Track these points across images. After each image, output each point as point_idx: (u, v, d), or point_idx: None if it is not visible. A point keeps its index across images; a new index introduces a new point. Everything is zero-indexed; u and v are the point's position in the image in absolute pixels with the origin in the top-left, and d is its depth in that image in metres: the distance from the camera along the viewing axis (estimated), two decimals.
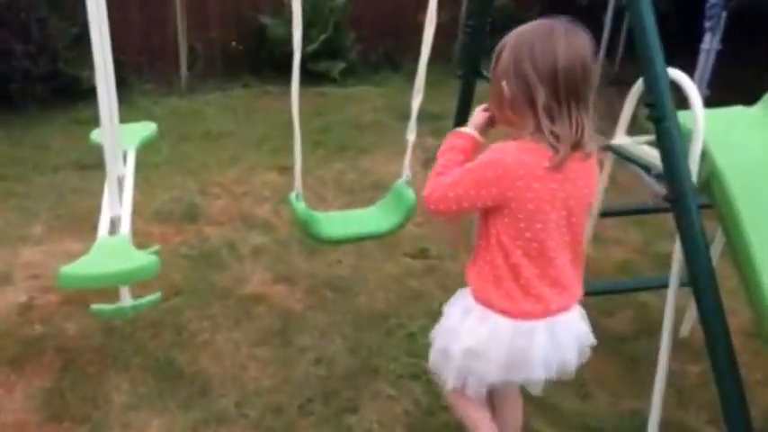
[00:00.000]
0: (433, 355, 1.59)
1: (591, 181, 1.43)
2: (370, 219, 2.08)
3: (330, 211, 2.30)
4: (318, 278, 2.72)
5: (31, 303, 2.56)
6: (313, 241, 2.10)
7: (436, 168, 1.51)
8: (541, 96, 1.30)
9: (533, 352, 1.45)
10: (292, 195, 2.02)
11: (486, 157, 1.40)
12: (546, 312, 1.45)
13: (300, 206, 1.99)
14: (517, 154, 1.35)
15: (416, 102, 1.99)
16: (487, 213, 1.43)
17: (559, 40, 1.32)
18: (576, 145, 1.32)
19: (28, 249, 2.94)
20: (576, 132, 1.31)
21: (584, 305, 2.44)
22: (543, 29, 1.35)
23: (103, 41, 2.09)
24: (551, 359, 1.48)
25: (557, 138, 1.31)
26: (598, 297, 2.53)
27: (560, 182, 1.35)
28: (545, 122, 1.30)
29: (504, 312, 1.44)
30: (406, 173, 2.04)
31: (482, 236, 1.46)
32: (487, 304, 1.46)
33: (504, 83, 1.37)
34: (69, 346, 2.32)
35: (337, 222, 2.11)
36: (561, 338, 1.48)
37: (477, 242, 1.50)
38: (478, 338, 1.46)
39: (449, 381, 1.55)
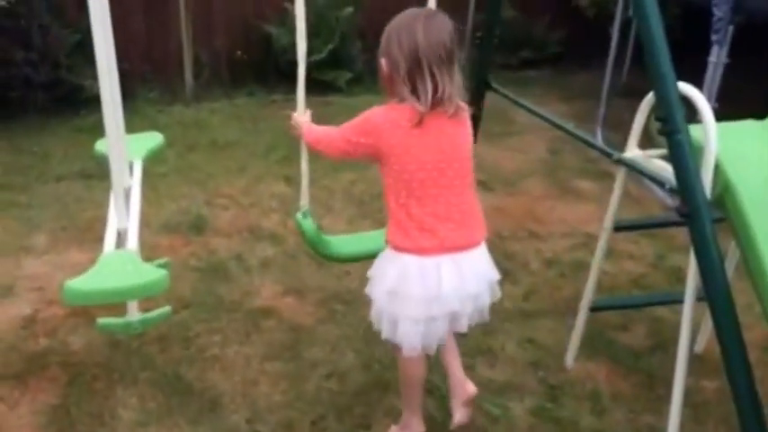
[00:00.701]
0: (372, 312, 1.88)
1: (461, 131, 1.80)
2: (377, 239, 2.09)
3: (338, 234, 2.39)
4: (328, 291, 2.77)
5: (35, 316, 2.61)
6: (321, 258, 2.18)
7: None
8: (403, 70, 1.71)
9: (443, 286, 1.75)
10: (299, 214, 2.09)
11: (360, 116, 1.81)
12: (442, 247, 1.76)
13: (308, 224, 2.05)
14: (382, 112, 1.78)
15: None
16: (380, 167, 1.79)
17: (419, 25, 1.70)
18: (437, 105, 1.71)
19: (31, 260, 3.00)
20: (434, 96, 1.70)
21: (599, 320, 2.51)
22: (408, 17, 1.75)
23: (108, 49, 2.13)
24: (462, 293, 1.79)
25: (417, 100, 1.71)
26: (613, 311, 2.60)
27: (427, 132, 1.73)
28: (406, 90, 1.71)
29: (407, 250, 1.77)
30: None
31: (384, 188, 1.82)
32: (395, 246, 1.80)
33: (382, 61, 1.77)
34: (75, 361, 2.37)
35: (345, 242, 2.19)
36: (467, 273, 1.79)
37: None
38: (392, 279, 1.79)
39: (383, 331, 1.85)
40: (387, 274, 1.80)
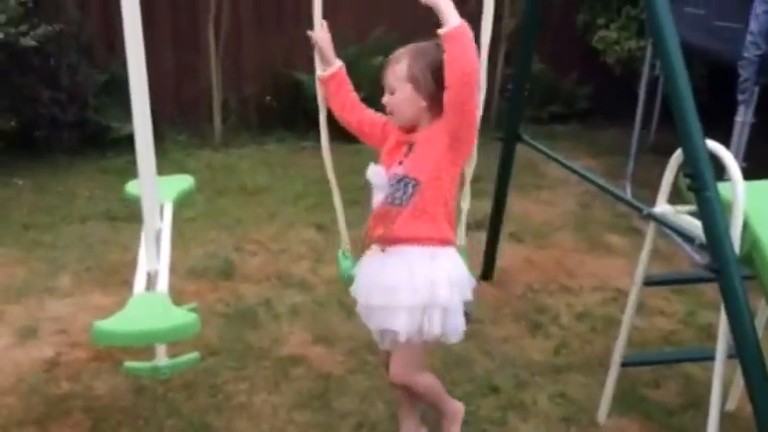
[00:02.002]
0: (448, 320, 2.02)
1: None
2: None
3: None
4: (358, 340, 2.83)
5: (57, 359, 2.69)
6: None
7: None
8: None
9: None
10: (339, 252, 2.22)
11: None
12: None
13: (347, 264, 2.18)
14: None
15: (470, 169, 2.14)
16: (453, 157, 1.97)
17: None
18: None
19: (55, 302, 3.10)
20: None
21: (631, 376, 2.58)
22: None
23: (142, 89, 2.23)
24: None
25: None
26: (644, 368, 2.67)
27: None
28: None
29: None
30: (461, 241, 2.13)
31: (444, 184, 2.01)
32: (451, 242, 2.04)
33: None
34: (98, 406, 2.42)
35: None
36: None
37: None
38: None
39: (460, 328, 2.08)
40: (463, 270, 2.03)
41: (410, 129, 2.02)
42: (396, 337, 1.97)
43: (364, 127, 2.17)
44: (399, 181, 1.96)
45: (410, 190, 1.94)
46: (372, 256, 2.06)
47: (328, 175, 2.22)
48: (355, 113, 2.17)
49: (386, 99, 2.02)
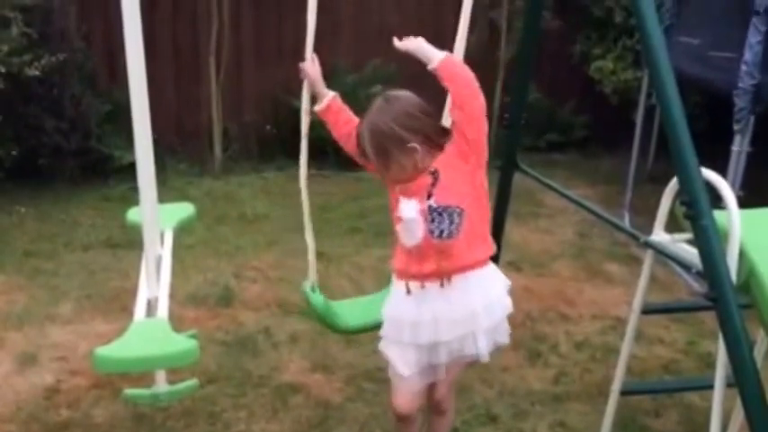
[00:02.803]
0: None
1: None
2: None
3: (347, 300, 2.46)
4: (357, 368, 2.85)
5: (57, 387, 2.70)
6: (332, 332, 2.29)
7: None
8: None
9: None
10: (307, 287, 2.18)
11: None
12: None
13: (317, 298, 2.14)
14: None
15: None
16: (482, 176, 2.00)
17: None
18: None
19: (56, 329, 3.12)
20: None
21: (631, 405, 2.58)
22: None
23: (144, 118, 2.30)
24: None
25: None
26: (644, 397, 2.68)
27: None
28: None
29: None
30: None
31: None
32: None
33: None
34: None
35: (356, 310, 2.25)
36: None
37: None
38: None
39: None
40: None
41: None
42: (477, 359, 2.02)
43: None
44: (441, 213, 1.91)
45: (457, 219, 1.91)
46: (434, 293, 1.96)
47: (303, 205, 2.25)
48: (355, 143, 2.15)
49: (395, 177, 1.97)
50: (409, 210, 1.93)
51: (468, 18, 2.19)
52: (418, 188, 1.93)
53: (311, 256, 2.20)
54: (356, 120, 2.12)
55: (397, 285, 2.03)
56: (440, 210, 1.91)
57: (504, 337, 2.06)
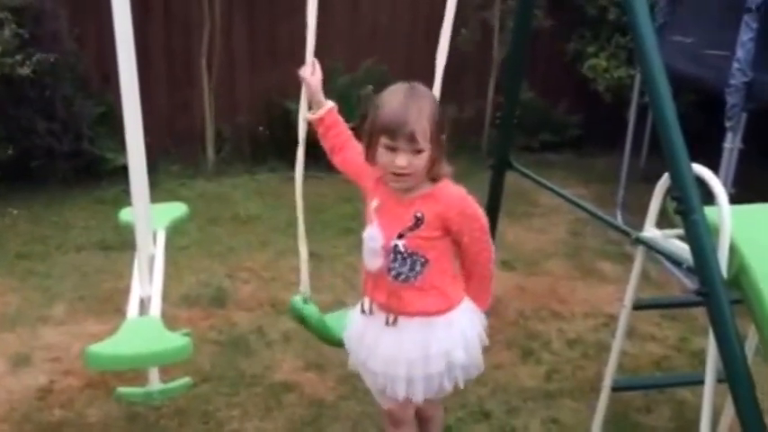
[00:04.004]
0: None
1: None
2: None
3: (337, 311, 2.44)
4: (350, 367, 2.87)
5: (50, 387, 2.72)
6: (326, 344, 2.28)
7: None
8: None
9: None
10: (298, 299, 2.16)
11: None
12: None
13: (311, 310, 2.12)
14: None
15: None
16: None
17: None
18: None
19: (48, 330, 3.13)
20: None
21: (623, 402, 2.59)
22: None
23: (136, 119, 2.30)
24: None
25: None
26: (636, 393, 2.70)
27: None
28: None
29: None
30: None
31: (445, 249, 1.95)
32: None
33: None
34: None
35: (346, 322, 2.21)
36: None
37: None
38: None
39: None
40: None
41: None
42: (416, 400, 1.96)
43: (348, 170, 2.08)
44: (405, 258, 1.85)
45: (418, 268, 1.85)
46: (380, 323, 1.94)
47: (298, 218, 2.24)
48: (342, 156, 2.09)
49: (405, 162, 1.77)
50: (373, 239, 1.87)
51: (451, 20, 2.18)
52: (394, 220, 1.85)
53: (303, 268, 2.18)
54: (347, 134, 2.09)
55: (360, 300, 2.02)
56: (405, 254, 1.85)
57: (457, 383, 1.98)
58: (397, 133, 1.75)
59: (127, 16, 2.18)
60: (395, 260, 1.86)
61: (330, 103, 2.12)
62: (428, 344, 1.89)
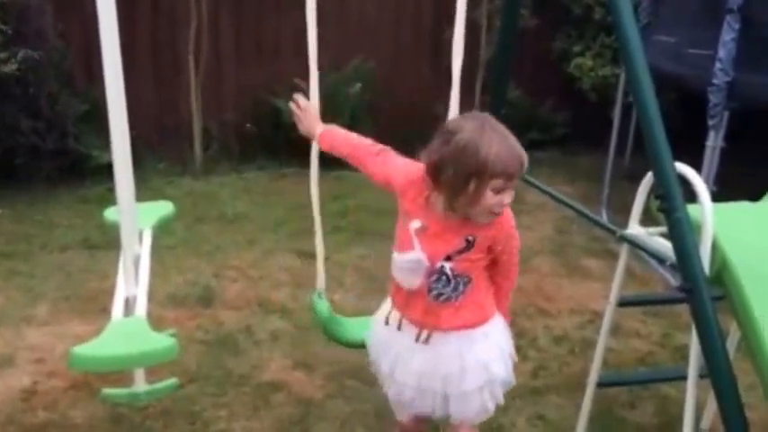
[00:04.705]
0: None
1: None
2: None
3: (348, 310, 2.48)
4: (339, 365, 2.86)
5: (34, 388, 2.68)
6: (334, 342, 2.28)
7: None
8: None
9: None
10: (315, 295, 2.20)
11: None
12: None
13: (323, 306, 2.15)
14: None
15: None
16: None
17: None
18: None
19: (32, 331, 3.10)
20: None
21: (608, 398, 2.61)
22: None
23: (121, 115, 2.28)
24: None
25: None
26: (621, 389, 2.72)
27: None
28: None
29: None
30: None
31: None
32: None
33: None
34: None
35: (357, 326, 2.22)
36: None
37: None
38: None
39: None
40: None
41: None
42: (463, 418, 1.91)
43: (380, 185, 1.97)
44: (450, 280, 1.79)
45: (461, 288, 1.80)
46: (410, 338, 1.87)
47: (314, 215, 2.21)
48: (367, 172, 1.98)
49: (511, 198, 1.74)
50: (416, 263, 1.79)
51: (462, 24, 2.16)
52: (441, 243, 1.78)
53: (320, 264, 2.20)
54: (353, 144, 2.01)
55: (383, 309, 1.95)
56: (450, 276, 1.79)
57: (498, 400, 1.93)
58: (516, 175, 1.70)
59: (112, 11, 2.15)
60: (438, 281, 1.79)
61: (319, 129, 2.08)
62: (465, 356, 1.84)
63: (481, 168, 1.66)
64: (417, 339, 1.85)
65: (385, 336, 1.93)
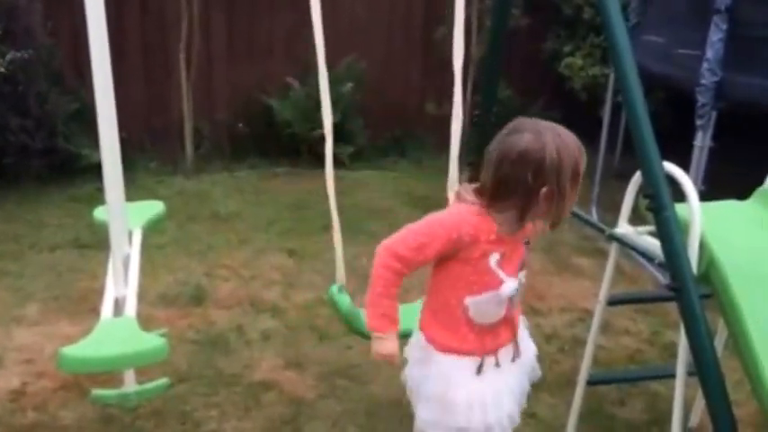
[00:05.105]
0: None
1: None
2: (411, 314, 2.01)
3: None
4: (330, 365, 2.86)
5: (23, 389, 2.66)
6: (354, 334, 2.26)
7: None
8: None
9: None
10: (334, 288, 2.19)
11: None
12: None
13: (344, 300, 2.13)
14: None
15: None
16: None
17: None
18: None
19: (22, 331, 3.07)
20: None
21: (598, 395, 2.63)
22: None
23: (110, 114, 2.27)
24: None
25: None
26: (611, 387, 2.73)
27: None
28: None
29: None
30: None
31: None
32: None
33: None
34: None
35: None
36: None
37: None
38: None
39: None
40: None
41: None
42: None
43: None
44: (521, 284, 1.81)
45: (522, 290, 1.83)
46: (507, 363, 1.83)
47: (332, 214, 2.24)
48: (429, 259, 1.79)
49: None
50: (508, 290, 1.74)
51: (462, 24, 2.15)
52: (515, 259, 1.76)
53: (339, 257, 2.18)
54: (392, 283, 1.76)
55: (461, 365, 1.78)
56: (522, 282, 1.80)
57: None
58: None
59: (100, 8, 2.14)
60: (517, 291, 1.78)
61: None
62: (528, 341, 1.91)
63: (576, 169, 1.66)
64: (514, 359, 1.83)
65: (482, 388, 1.78)
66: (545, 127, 1.68)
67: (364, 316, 2.08)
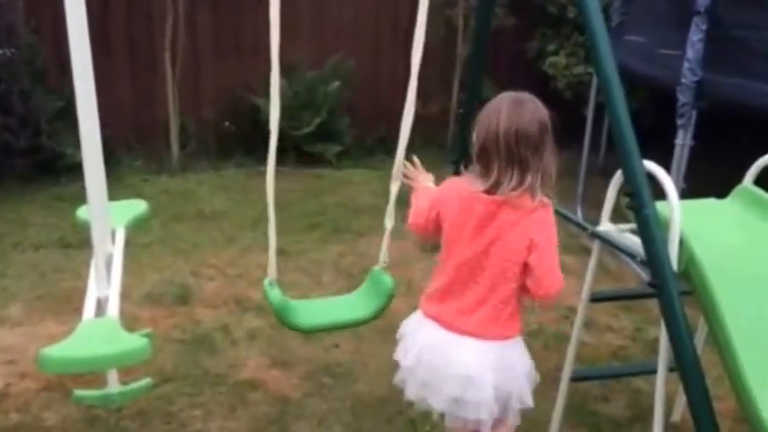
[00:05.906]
0: None
1: (517, 235, 1.88)
2: (347, 306, 2.17)
3: (306, 299, 2.39)
4: (316, 363, 2.85)
5: (6, 390, 2.63)
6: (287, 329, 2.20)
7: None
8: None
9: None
10: (266, 282, 2.13)
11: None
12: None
13: (275, 293, 2.07)
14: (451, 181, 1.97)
15: (394, 188, 2.19)
16: None
17: (502, 112, 1.89)
18: (489, 192, 1.84)
19: (5, 332, 3.04)
20: (496, 183, 1.83)
21: (582, 392, 2.64)
22: (493, 104, 1.94)
23: (91, 111, 2.21)
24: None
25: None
26: (595, 383, 2.75)
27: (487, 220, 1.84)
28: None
29: None
30: (384, 259, 2.15)
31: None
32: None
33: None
34: None
35: (313, 310, 2.19)
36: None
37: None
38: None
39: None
40: None
41: None
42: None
43: None
44: None
45: None
46: None
47: (268, 200, 2.17)
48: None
49: None
50: None
51: (425, 16, 2.16)
52: None
53: (272, 252, 2.14)
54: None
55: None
56: None
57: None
58: None
59: (80, 5, 2.10)
60: None
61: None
62: None
63: (546, 137, 1.95)
64: None
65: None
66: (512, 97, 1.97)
67: (297, 308, 2.13)
